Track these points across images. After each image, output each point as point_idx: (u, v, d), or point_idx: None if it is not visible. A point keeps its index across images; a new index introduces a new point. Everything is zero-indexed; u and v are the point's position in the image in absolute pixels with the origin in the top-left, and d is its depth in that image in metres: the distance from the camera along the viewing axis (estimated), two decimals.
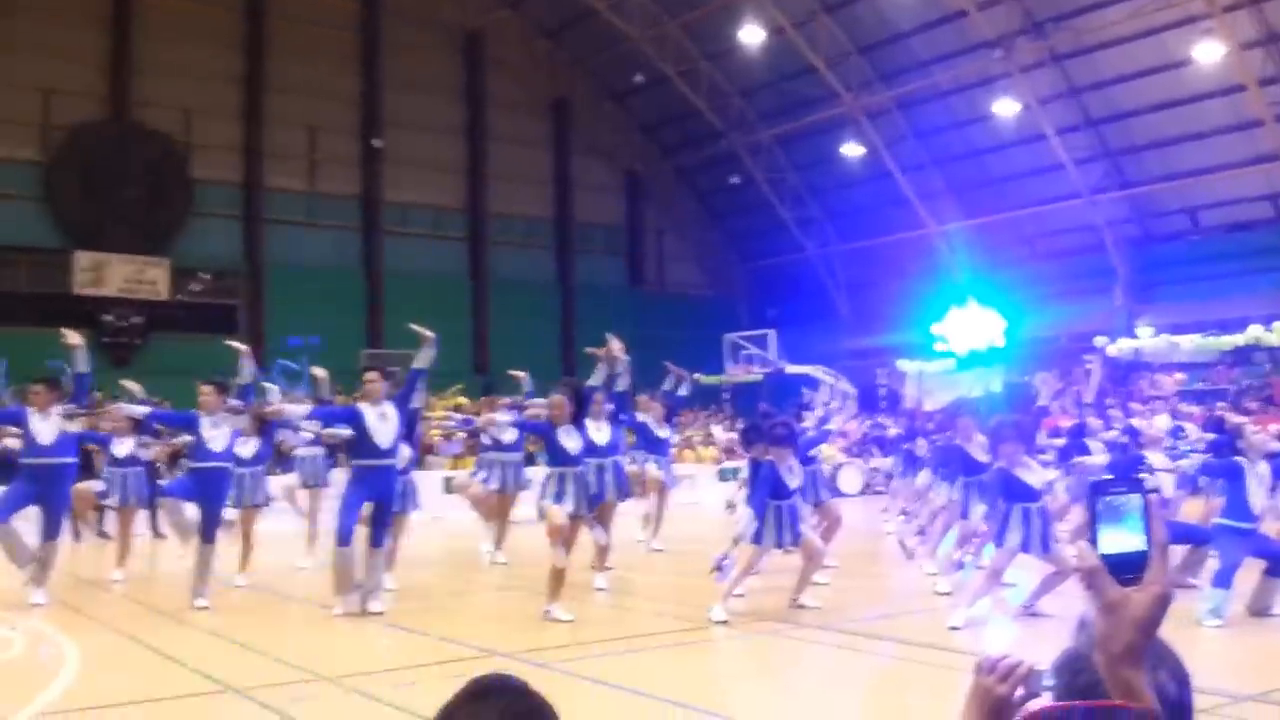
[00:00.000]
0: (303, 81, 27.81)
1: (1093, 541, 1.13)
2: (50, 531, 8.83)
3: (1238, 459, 7.29)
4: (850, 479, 20.03)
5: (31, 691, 5.72)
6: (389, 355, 26.26)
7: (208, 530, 8.60)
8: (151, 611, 8.37)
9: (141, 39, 26.06)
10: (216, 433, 8.67)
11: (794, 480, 7.77)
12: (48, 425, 8.69)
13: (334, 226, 29.06)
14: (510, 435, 10.68)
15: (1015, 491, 7.21)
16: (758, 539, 7.63)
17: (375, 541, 8.23)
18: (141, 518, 12.65)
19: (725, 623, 7.26)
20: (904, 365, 27.07)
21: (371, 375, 8.54)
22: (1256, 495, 7.16)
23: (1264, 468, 7.26)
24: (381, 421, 8.20)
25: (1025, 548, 7.17)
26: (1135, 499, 1.13)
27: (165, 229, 26.64)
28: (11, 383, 10.48)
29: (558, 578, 7.53)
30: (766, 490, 7.66)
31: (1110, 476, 1.22)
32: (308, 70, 27.84)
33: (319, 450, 11.20)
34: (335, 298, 27.83)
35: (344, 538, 8.00)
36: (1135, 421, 11.35)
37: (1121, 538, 1.12)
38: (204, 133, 27.26)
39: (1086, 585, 1.12)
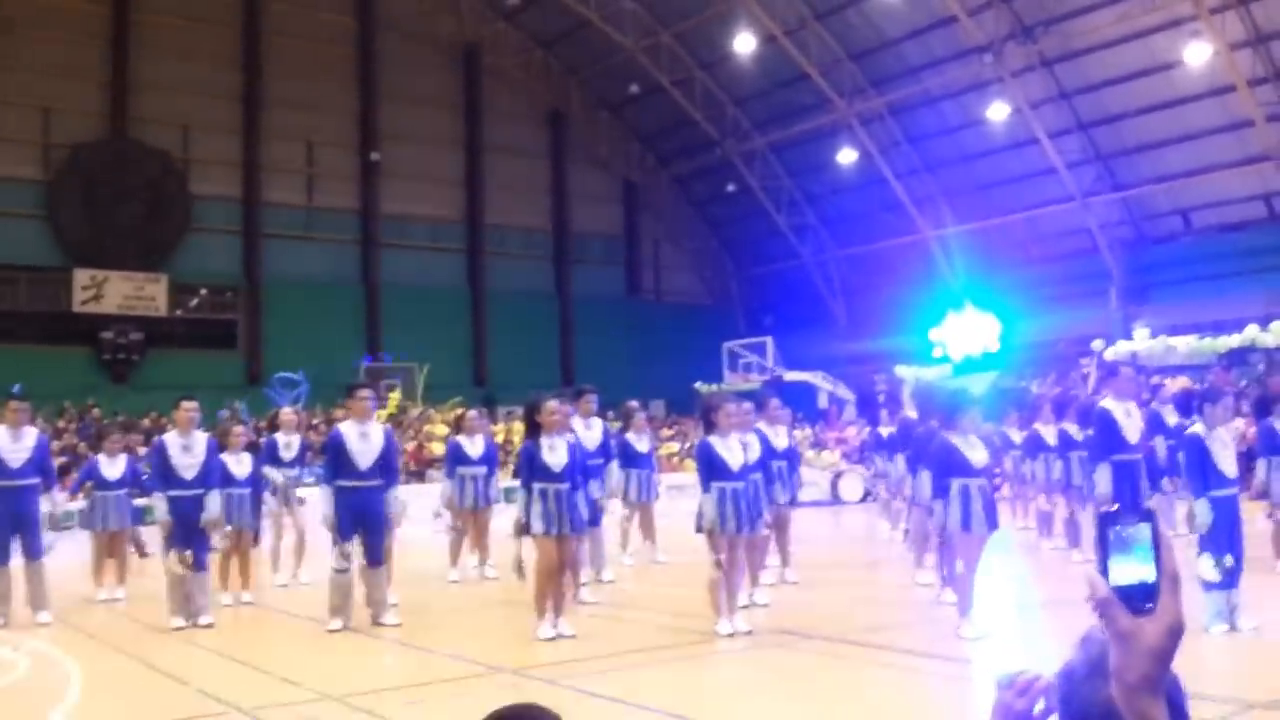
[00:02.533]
0: (300, 97, 27.91)
1: (1103, 572, 1.13)
2: (31, 552, 8.70)
3: (1195, 431, 7.09)
4: (851, 486, 20.03)
5: (36, 715, 5.73)
6: (388, 369, 26.35)
7: (197, 559, 8.32)
8: (155, 631, 8.37)
9: (140, 57, 26.17)
10: (190, 459, 8.30)
11: (733, 457, 7.29)
12: (17, 447, 8.64)
13: (332, 240, 29.14)
14: (476, 450, 10.60)
15: (955, 465, 6.99)
16: (719, 525, 7.22)
17: (372, 561, 8.14)
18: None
19: (732, 635, 7.25)
20: (902, 371, 27.11)
21: (364, 393, 8.34)
22: (1225, 461, 7.02)
23: (1222, 432, 7.07)
24: (363, 441, 8.00)
25: (966, 526, 6.93)
26: (1145, 529, 1.13)
27: (164, 245, 26.72)
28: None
29: (544, 597, 7.38)
30: (704, 472, 7.31)
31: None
32: (305, 86, 27.95)
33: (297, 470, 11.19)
34: (334, 311, 27.90)
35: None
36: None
37: (1132, 568, 1.13)
38: (202, 149, 27.37)
39: (1099, 616, 1.14)
